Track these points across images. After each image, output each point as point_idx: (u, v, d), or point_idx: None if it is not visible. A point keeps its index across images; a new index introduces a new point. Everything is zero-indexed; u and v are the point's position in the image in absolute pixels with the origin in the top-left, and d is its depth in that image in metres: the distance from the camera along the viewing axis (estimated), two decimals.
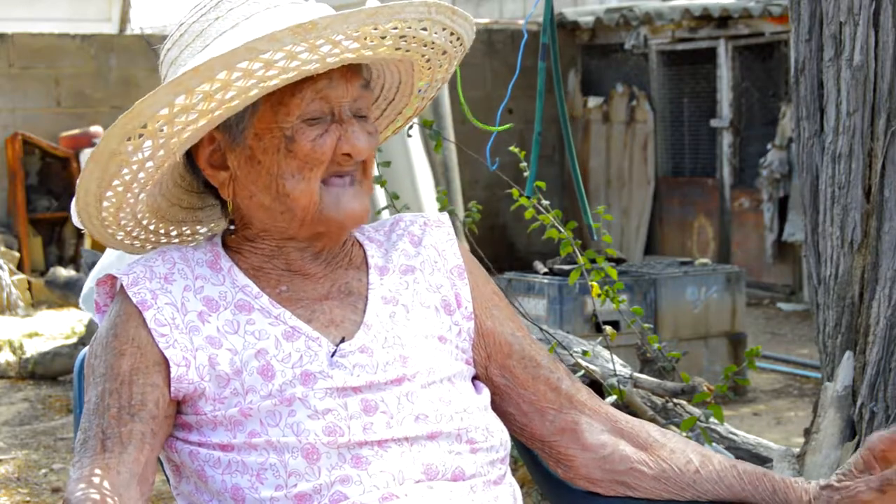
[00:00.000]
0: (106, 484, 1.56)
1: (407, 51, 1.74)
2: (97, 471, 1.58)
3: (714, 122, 10.41)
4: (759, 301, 9.71)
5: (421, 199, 8.29)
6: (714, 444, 3.48)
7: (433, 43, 1.75)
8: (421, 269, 1.83)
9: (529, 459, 1.93)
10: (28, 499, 4.82)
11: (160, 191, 1.79)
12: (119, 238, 1.82)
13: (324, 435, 1.65)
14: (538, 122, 3.62)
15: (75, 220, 1.78)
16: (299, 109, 1.69)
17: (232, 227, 1.80)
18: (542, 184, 3.53)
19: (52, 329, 8.68)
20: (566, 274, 5.71)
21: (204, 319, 1.71)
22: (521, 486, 1.87)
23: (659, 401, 3.73)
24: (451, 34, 1.76)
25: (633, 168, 11.29)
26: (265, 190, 1.72)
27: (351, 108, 1.72)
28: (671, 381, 3.72)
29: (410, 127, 3.57)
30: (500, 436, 1.78)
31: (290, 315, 1.73)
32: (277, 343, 1.70)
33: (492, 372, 1.85)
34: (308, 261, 1.78)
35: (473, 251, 3.20)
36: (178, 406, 1.71)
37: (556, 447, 1.83)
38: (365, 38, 1.65)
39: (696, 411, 3.51)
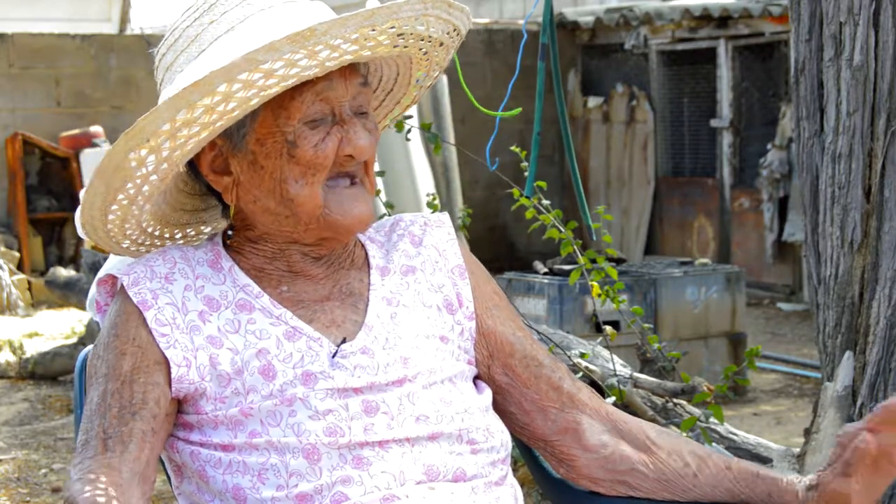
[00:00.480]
0: (110, 484, 1.56)
1: (405, 47, 1.74)
2: (101, 471, 1.58)
3: (714, 122, 10.41)
4: (759, 301, 9.71)
5: (421, 200, 8.29)
6: (714, 444, 3.48)
7: (430, 37, 1.75)
8: (422, 269, 1.83)
9: (530, 459, 1.93)
10: (28, 499, 4.81)
11: (164, 198, 1.79)
12: (125, 246, 1.82)
13: (324, 435, 1.65)
14: (537, 122, 3.62)
15: (80, 233, 1.78)
16: (300, 113, 1.68)
17: (230, 232, 1.80)
18: (542, 184, 3.53)
19: (52, 329, 8.68)
20: (566, 274, 5.71)
21: (205, 319, 1.71)
22: (522, 486, 1.87)
23: (659, 401, 3.73)
24: (448, 25, 1.76)
25: (633, 168, 11.29)
26: (269, 194, 1.72)
27: (351, 106, 1.72)
28: (671, 381, 3.72)
29: (409, 130, 3.58)
30: (500, 436, 1.78)
31: (292, 315, 1.73)
32: (279, 343, 1.70)
33: (494, 371, 1.85)
34: (310, 263, 1.77)
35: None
36: (179, 405, 1.71)
37: (558, 447, 1.84)
38: (364, 40, 1.65)
39: (696, 411, 3.51)
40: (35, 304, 9.75)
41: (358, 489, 1.63)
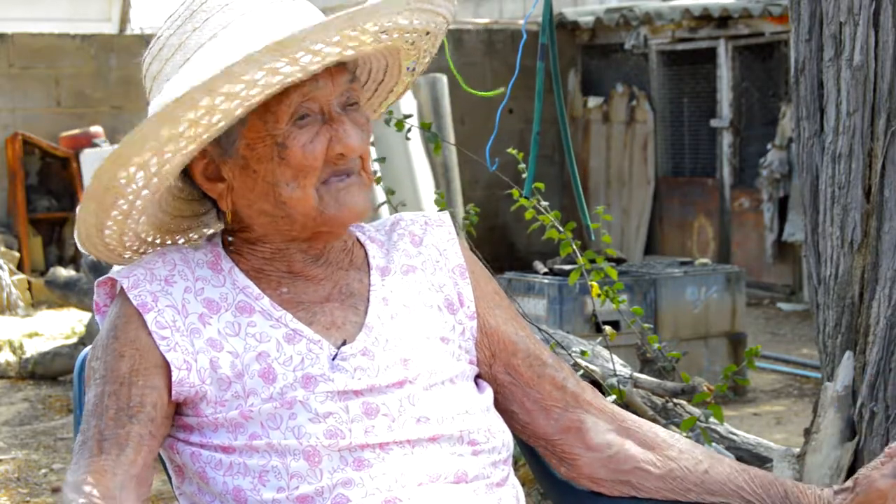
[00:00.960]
0: (98, 490, 1.55)
1: (390, 42, 1.73)
2: (91, 476, 1.57)
3: (714, 122, 10.41)
4: (759, 301, 9.71)
5: (421, 199, 8.30)
6: (714, 444, 3.47)
7: (415, 28, 1.74)
8: (422, 268, 1.83)
9: (531, 458, 1.93)
10: (28, 499, 4.82)
11: (160, 208, 1.78)
12: (127, 256, 1.82)
13: (325, 438, 1.64)
14: (536, 122, 3.62)
15: (81, 249, 1.78)
16: (287, 115, 1.67)
17: (231, 238, 1.79)
18: (540, 185, 3.53)
19: (52, 329, 8.68)
20: (566, 274, 5.71)
21: (205, 322, 1.70)
22: (523, 485, 1.86)
23: (659, 401, 3.73)
24: (433, 14, 1.74)
25: (633, 168, 11.29)
26: (264, 198, 1.71)
27: (340, 102, 1.71)
28: (671, 381, 3.72)
29: (409, 130, 3.58)
30: (502, 436, 1.77)
31: (292, 318, 1.72)
32: (279, 346, 1.69)
33: (496, 370, 1.84)
34: (309, 263, 1.77)
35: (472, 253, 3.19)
36: (179, 408, 1.70)
37: (560, 446, 1.83)
38: (347, 41, 1.63)
39: (696, 411, 3.51)
40: (35, 304, 9.75)
41: (359, 491, 1.63)
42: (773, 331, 8.65)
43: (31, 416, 6.23)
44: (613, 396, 3.38)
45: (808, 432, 3.12)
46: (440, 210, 3.52)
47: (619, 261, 6.48)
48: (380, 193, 3.80)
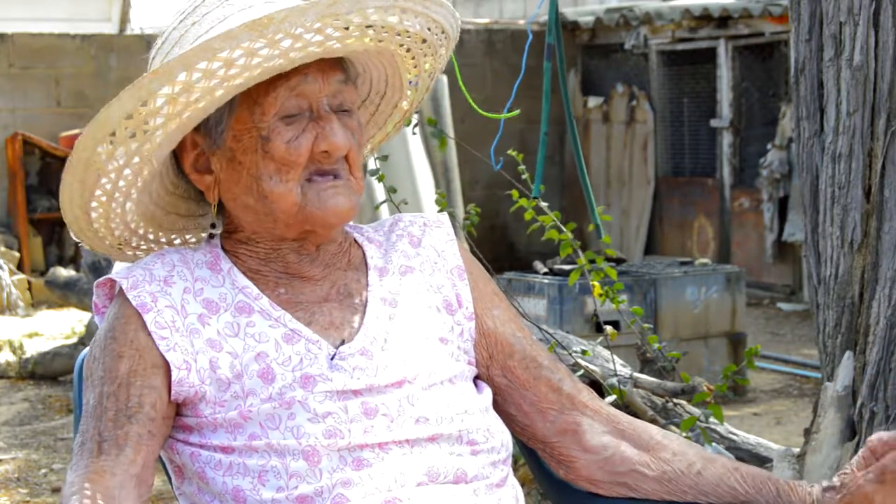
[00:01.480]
0: (97, 490, 1.56)
1: (380, 41, 1.71)
2: (90, 476, 1.58)
3: (714, 122, 10.41)
4: (759, 301, 9.71)
5: (421, 199, 8.29)
6: (714, 444, 3.47)
7: (407, 32, 1.72)
8: (421, 269, 1.82)
9: (531, 458, 1.93)
10: (28, 499, 4.82)
11: (151, 199, 1.78)
12: (129, 254, 1.82)
13: (324, 438, 1.64)
14: (544, 122, 3.62)
15: (74, 237, 1.78)
16: (274, 108, 1.68)
17: (215, 231, 1.79)
18: (541, 186, 3.53)
19: (52, 329, 8.68)
20: (566, 274, 5.71)
21: (204, 322, 1.70)
22: (522, 486, 1.86)
23: (659, 401, 3.73)
24: (428, 20, 1.73)
25: (633, 168, 11.29)
26: (247, 191, 1.71)
27: (331, 103, 1.71)
28: (671, 381, 3.72)
29: (415, 125, 3.57)
30: (501, 437, 1.77)
31: (290, 318, 1.72)
32: (277, 346, 1.69)
33: (493, 372, 1.84)
34: (306, 263, 1.77)
35: (472, 253, 3.19)
36: (179, 408, 1.70)
37: (557, 448, 1.83)
38: (332, 30, 1.62)
39: (696, 411, 3.51)
40: (35, 304, 9.75)
41: (358, 491, 1.63)
42: (773, 331, 8.65)
43: (31, 416, 6.23)
44: (614, 396, 3.38)
45: (808, 432, 3.12)
46: (441, 210, 3.52)
47: (618, 261, 6.48)
48: (380, 192, 3.79)
